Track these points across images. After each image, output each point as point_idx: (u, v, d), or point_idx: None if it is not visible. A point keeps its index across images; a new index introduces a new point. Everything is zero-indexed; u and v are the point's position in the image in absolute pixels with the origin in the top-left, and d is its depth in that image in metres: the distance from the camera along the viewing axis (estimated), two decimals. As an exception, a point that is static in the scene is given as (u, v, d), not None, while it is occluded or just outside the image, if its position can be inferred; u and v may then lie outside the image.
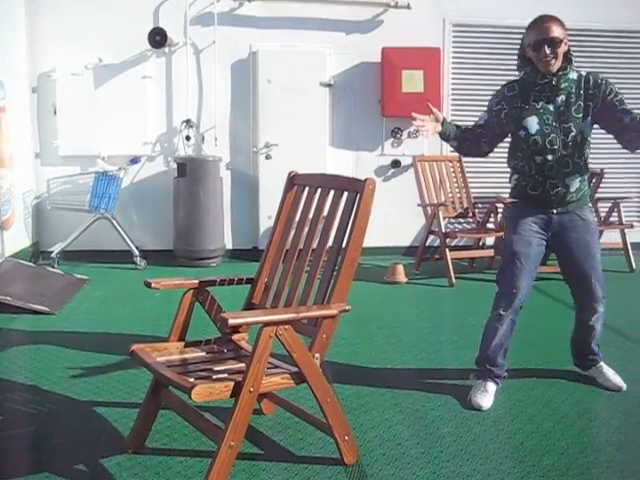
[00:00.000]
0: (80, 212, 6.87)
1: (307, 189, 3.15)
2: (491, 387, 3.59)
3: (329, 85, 7.37)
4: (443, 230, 6.43)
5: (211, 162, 7.09)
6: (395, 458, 2.94)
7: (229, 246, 7.43)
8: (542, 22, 3.35)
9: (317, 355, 2.71)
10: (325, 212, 2.98)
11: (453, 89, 7.58)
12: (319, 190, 3.07)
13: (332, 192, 2.98)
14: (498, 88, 3.60)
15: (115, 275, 6.61)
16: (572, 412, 3.42)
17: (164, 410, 3.03)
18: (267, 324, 2.52)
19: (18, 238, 6.58)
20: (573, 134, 3.43)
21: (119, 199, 7.00)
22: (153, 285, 3.05)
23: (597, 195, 6.59)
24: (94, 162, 7.00)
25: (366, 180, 2.78)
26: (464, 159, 7.04)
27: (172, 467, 2.83)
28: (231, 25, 7.24)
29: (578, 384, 3.79)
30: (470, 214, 7.05)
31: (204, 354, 2.98)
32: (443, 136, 3.58)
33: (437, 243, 6.84)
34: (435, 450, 3.01)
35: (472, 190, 7.13)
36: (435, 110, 3.50)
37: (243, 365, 2.68)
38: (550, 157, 3.44)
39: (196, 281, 3.10)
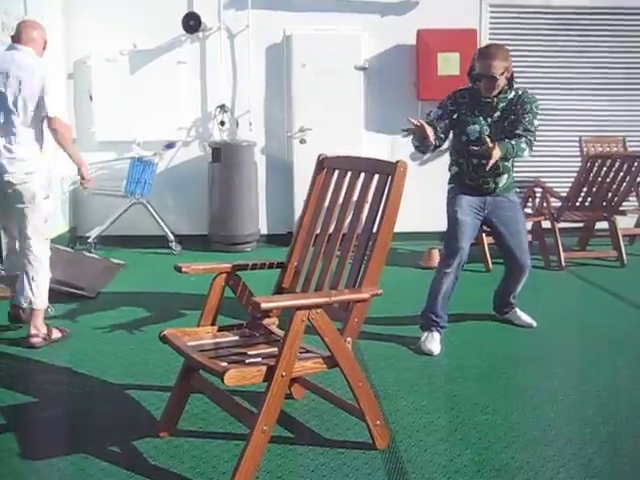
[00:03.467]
0: (116, 197, 6.92)
1: (337, 172, 3.11)
2: (437, 336, 4.11)
3: (364, 68, 7.29)
4: (480, 215, 6.34)
5: (245, 147, 7.08)
6: (432, 444, 2.90)
7: (264, 231, 7.43)
8: (486, 58, 3.91)
9: (349, 339, 2.69)
10: (355, 195, 2.95)
11: (490, 71, 7.44)
12: (349, 173, 3.03)
13: (362, 175, 2.95)
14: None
15: (151, 260, 6.65)
16: (612, 401, 3.35)
17: (200, 394, 3.03)
18: (299, 308, 2.50)
19: (56, 224, 6.65)
20: None
21: (154, 184, 7.03)
22: (184, 269, 3.04)
23: (639, 179, 6.43)
24: (130, 148, 7.03)
25: (397, 162, 2.74)
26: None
27: (209, 450, 2.83)
28: (265, 9, 7.19)
29: (618, 371, 3.72)
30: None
31: (236, 338, 2.97)
32: (425, 147, 3.98)
33: (473, 228, 6.73)
34: (473, 437, 2.96)
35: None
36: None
37: (275, 349, 2.66)
38: (485, 161, 3.91)
39: (227, 265, 3.08)
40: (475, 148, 3.89)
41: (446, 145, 4.28)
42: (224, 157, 6.93)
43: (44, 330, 4.15)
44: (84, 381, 3.61)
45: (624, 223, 6.72)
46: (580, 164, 6.21)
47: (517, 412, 3.22)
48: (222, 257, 6.51)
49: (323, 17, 7.19)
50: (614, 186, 6.11)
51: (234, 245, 7.01)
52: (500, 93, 4.01)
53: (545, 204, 6.45)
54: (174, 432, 2.96)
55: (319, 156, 3.25)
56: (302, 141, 7.25)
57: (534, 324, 4.46)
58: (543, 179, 6.99)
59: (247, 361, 2.65)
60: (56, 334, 4.22)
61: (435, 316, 4.12)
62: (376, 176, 2.86)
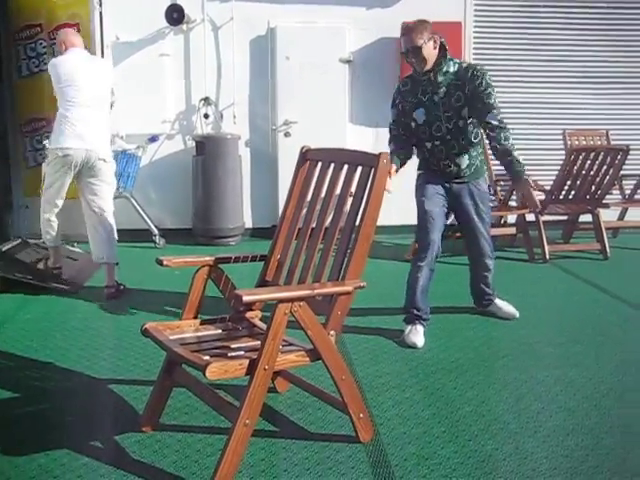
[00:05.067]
0: (99, 191, 6.85)
1: (320, 164, 3.10)
2: (420, 329, 4.09)
3: (348, 61, 7.28)
4: (464, 208, 6.34)
5: (230, 140, 7.04)
6: (416, 437, 2.90)
7: (248, 224, 7.40)
8: (405, 33, 3.95)
9: (332, 332, 2.69)
10: (338, 187, 2.94)
11: (474, 64, 7.45)
12: (332, 165, 3.02)
13: (345, 167, 2.94)
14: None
15: (134, 254, 6.60)
16: (596, 393, 3.36)
17: (183, 388, 3.01)
18: (282, 301, 2.49)
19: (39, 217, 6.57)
20: (454, 121, 3.98)
21: (138, 178, 6.98)
22: (165, 263, 3.02)
23: (622, 172, 6.46)
24: (113, 141, 6.94)
25: (380, 154, 2.74)
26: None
27: (191, 445, 2.82)
28: (249, 1, 7.15)
29: (601, 363, 3.73)
30: (492, 192, 6.94)
31: (218, 332, 2.95)
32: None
33: (458, 221, 6.74)
34: (456, 429, 2.97)
35: (494, 168, 7.01)
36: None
37: (258, 343, 2.65)
38: (437, 142, 4.03)
39: (209, 258, 3.06)
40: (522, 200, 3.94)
41: None
42: (208, 150, 6.90)
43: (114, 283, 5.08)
44: (66, 376, 3.58)
45: (607, 216, 6.75)
46: (564, 157, 6.23)
47: (501, 404, 3.23)
48: (206, 251, 6.43)
49: (308, 9, 7.16)
50: (597, 179, 6.14)
51: (218, 239, 6.98)
52: (436, 66, 3.94)
53: (529, 197, 6.46)
54: (157, 427, 2.94)
55: (302, 148, 3.23)
56: (287, 134, 7.22)
57: (517, 314, 4.46)
58: (527, 172, 7.00)
59: (229, 354, 2.63)
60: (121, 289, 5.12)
61: (417, 310, 4.11)
62: (359, 168, 2.86)
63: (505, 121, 4.00)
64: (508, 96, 7.38)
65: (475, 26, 7.42)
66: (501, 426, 3.00)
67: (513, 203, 6.93)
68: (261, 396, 2.49)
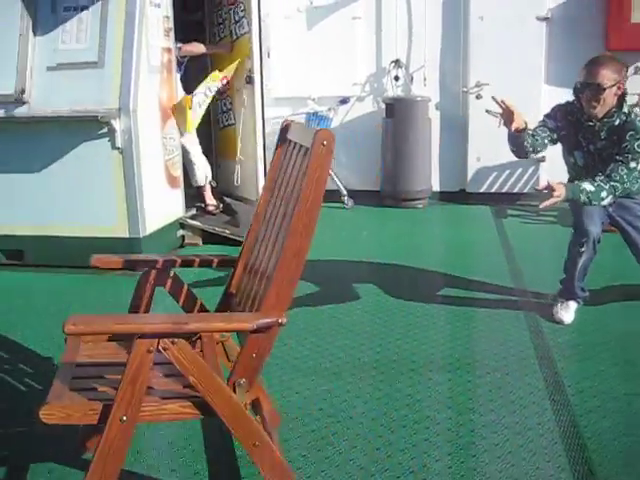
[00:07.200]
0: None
1: (292, 145, 2.31)
2: (572, 305, 3.78)
3: (546, 19, 6.92)
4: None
5: (419, 102, 6.99)
6: (612, 411, 2.78)
7: (436, 188, 7.33)
8: (592, 64, 3.46)
9: (242, 381, 1.94)
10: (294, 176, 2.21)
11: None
12: (297, 146, 2.23)
13: (303, 149, 2.12)
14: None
15: (323, 213, 6.72)
16: None
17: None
18: (142, 335, 1.80)
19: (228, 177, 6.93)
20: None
21: (328, 140, 7.12)
22: (94, 263, 2.43)
23: None
24: (305, 103, 7.17)
25: (317, 133, 1.85)
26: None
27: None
28: (442, -40, 7.00)
29: None
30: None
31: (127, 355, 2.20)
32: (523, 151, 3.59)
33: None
34: (657, 407, 2.81)
35: None
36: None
37: (169, 380, 2.03)
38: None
39: (154, 258, 2.46)
40: (538, 189, 3.41)
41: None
42: (397, 113, 6.89)
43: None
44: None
45: None
46: None
47: None
48: (393, 213, 6.55)
49: (504, -36, 6.88)
50: None
51: (406, 201, 6.99)
52: (605, 116, 3.49)
53: None
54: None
55: (282, 122, 2.47)
56: (478, 96, 7.03)
57: None
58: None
59: (100, 389, 2.02)
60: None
61: (572, 290, 3.76)
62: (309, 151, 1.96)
63: (617, 190, 3.41)
64: None
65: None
66: None
67: None
68: (119, 453, 1.87)
